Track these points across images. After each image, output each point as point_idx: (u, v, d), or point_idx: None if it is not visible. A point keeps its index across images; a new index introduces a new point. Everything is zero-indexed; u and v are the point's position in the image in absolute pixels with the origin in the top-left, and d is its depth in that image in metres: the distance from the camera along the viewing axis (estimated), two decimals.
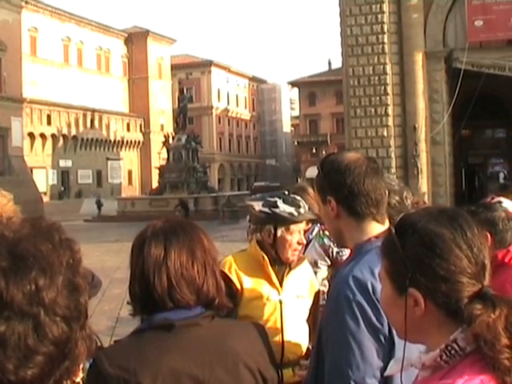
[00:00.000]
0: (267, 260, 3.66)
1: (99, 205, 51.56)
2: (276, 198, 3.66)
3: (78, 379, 1.17)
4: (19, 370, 1.03)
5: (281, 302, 3.63)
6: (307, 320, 3.70)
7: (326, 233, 4.79)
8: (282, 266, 3.68)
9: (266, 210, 3.65)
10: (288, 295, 3.66)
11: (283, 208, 3.63)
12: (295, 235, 3.65)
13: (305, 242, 3.76)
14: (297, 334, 3.59)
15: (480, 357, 1.45)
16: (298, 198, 3.71)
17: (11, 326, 1.03)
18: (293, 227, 3.66)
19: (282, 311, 3.62)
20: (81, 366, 1.16)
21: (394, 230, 1.62)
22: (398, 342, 1.86)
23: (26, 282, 1.05)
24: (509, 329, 1.44)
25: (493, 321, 1.44)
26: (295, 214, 3.63)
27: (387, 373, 1.82)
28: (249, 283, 3.61)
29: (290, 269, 3.69)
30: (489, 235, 3.68)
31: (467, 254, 1.52)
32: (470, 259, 1.52)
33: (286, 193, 3.74)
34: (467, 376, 1.44)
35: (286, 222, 3.65)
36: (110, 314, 11.80)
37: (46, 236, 1.14)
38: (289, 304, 3.64)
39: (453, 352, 1.49)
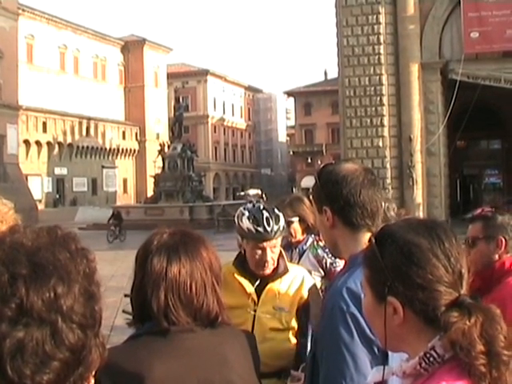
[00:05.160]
0: (237, 273, 3.66)
1: None
2: (245, 212, 3.60)
3: None
4: (36, 375, 1.05)
5: (255, 315, 3.62)
6: (296, 333, 3.66)
7: (320, 244, 4.79)
8: (262, 278, 3.66)
9: (236, 220, 3.65)
10: (264, 308, 3.63)
11: (244, 222, 3.57)
12: (257, 251, 3.58)
13: (274, 260, 3.63)
14: (269, 347, 3.48)
15: (457, 363, 1.48)
16: (275, 215, 3.59)
17: (29, 333, 1.05)
18: (252, 243, 3.58)
19: (254, 323, 3.60)
20: (93, 373, 1.19)
21: (374, 240, 1.66)
22: (392, 353, 1.87)
23: (45, 290, 1.08)
24: (484, 336, 1.47)
25: (468, 328, 1.47)
26: (253, 231, 3.54)
27: (368, 381, 1.84)
28: (225, 295, 3.58)
29: (270, 281, 3.66)
30: (503, 240, 3.69)
31: (444, 263, 1.56)
32: (447, 268, 1.55)
33: (272, 208, 3.67)
34: (445, 382, 1.47)
35: (246, 236, 3.61)
36: (104, 323, 11.59)
37: (63, 245, 1.18)
38: (263, 317, 3.62)
39: (431, 359, 1.52)
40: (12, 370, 1.03)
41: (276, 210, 3.65)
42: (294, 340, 3.65)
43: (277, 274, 3.68)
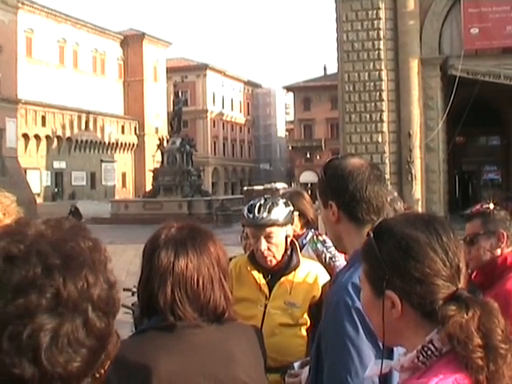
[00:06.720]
0: (250, 266, 3.69)
1: None
2: (251, 201, 3.70)
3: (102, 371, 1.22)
4: (68, 364, 1.07)
5: (265, 309, 3.62)
6: (307, 328, 3.66)
7: (320, 238, 4.79)
8: (275, 271, 3.67)
9: None
10: (275, 303, 3.63)
11: (244, 209, 3.68)
12: (254, 240, 3.64)
13: (274, 252, 3.64)
14: (278, 342, 3.49)
15: (455, 356, 1.49)
16: (270, 204, 3.62)
17: (64, 322, 1.07)
18: (248, 230, 3.71)
19: (264, 317, 3.60)
20: (109, 361, 1.21)
21: (372, 235, 1.66)
22: (397, 349, 1.87)
23: (78, 279, 1.11)
24: (481, 329, 1.47)
25: (466, 321, 1.48)
26: (245, 216, 3.64)
27: (366, 374, 1.85)
28: (238, 287, 3.60)
29: (282, 275, 3.66)
30: (505, 234, 3.69)
31: (442, 257, 1.56)
32: (444, 262, 1.56)
33: (276, 199, 3.69)
34: (442, 375, 1.47)
35: (245, 224, 3.73)
36: None
37: (83, 235, 1.20)
38: (274, 312, 3.62)
39: (429, 353, 1.53)
40: (47, 359, 1.05)
41: (279, 201, 3.67)
42: (305, 334, 3.64)
43: (289, 267, 3.69)
